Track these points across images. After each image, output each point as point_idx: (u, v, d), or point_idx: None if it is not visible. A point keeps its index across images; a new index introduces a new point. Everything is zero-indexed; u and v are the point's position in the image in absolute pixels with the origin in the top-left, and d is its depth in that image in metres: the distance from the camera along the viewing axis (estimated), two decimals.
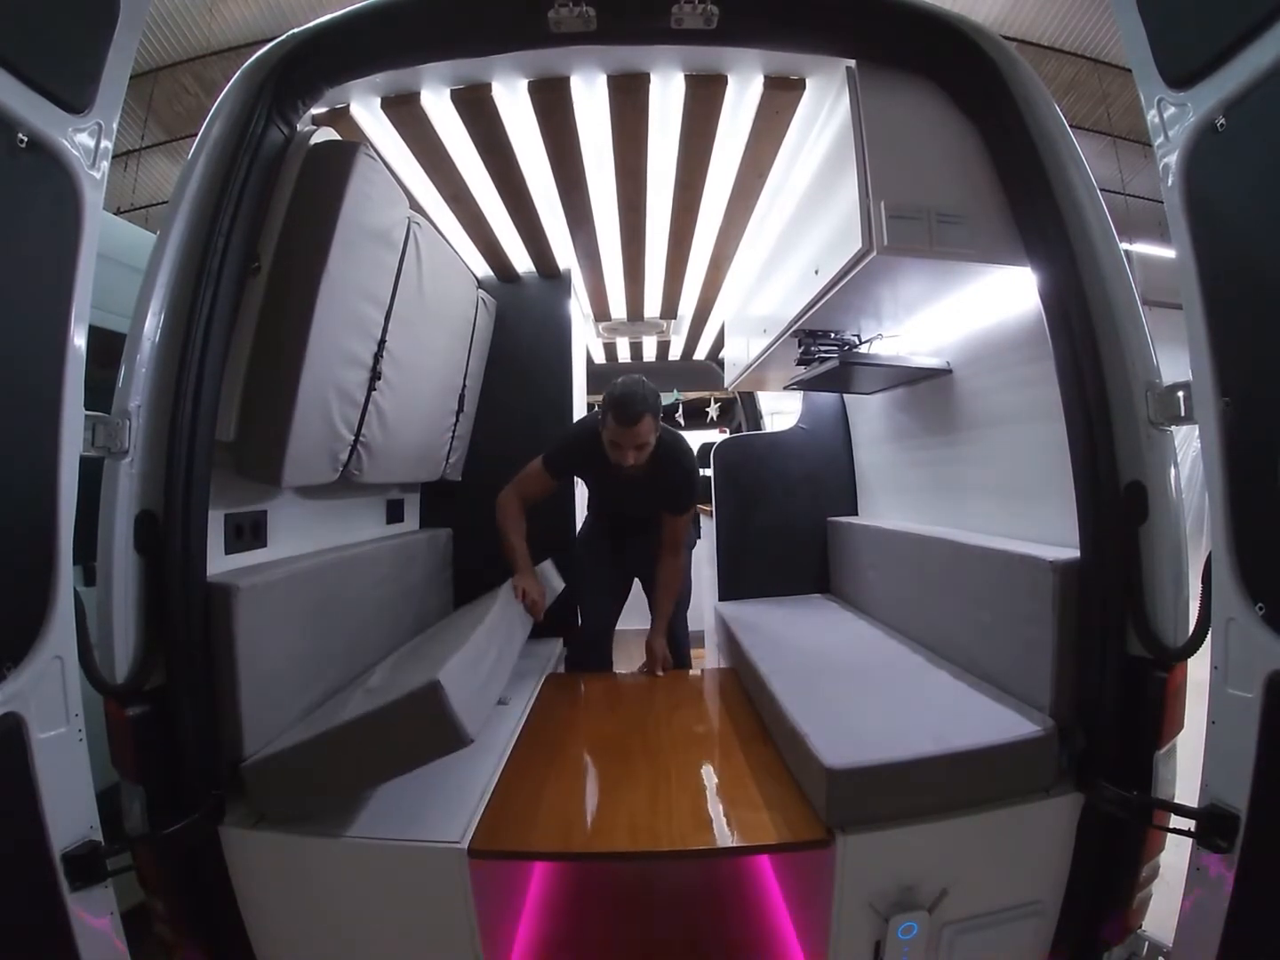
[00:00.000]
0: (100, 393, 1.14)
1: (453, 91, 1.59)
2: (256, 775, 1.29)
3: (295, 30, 1.38)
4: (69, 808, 1.02)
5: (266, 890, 1.29)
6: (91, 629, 1.10)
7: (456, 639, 1.55)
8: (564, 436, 2.39)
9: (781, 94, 1.61)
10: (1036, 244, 1.36)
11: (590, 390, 4.26)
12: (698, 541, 3.50)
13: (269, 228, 1.45)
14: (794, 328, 2.03)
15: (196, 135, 1.33)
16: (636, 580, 2.75)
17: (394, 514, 2.49)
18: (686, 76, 1.55)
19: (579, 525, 2.91)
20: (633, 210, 2.23)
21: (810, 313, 1.86)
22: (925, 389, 2.18)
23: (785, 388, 2.71)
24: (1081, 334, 1.27)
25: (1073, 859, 1.30)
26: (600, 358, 4.58)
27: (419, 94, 1.61)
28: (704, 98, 1.61)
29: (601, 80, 1.56)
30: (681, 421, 5.21)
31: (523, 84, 1.57)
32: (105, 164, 1.04)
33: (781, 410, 4.46)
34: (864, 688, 1.67)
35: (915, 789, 1.27)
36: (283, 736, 1.41)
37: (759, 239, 2.43)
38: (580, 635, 2.71)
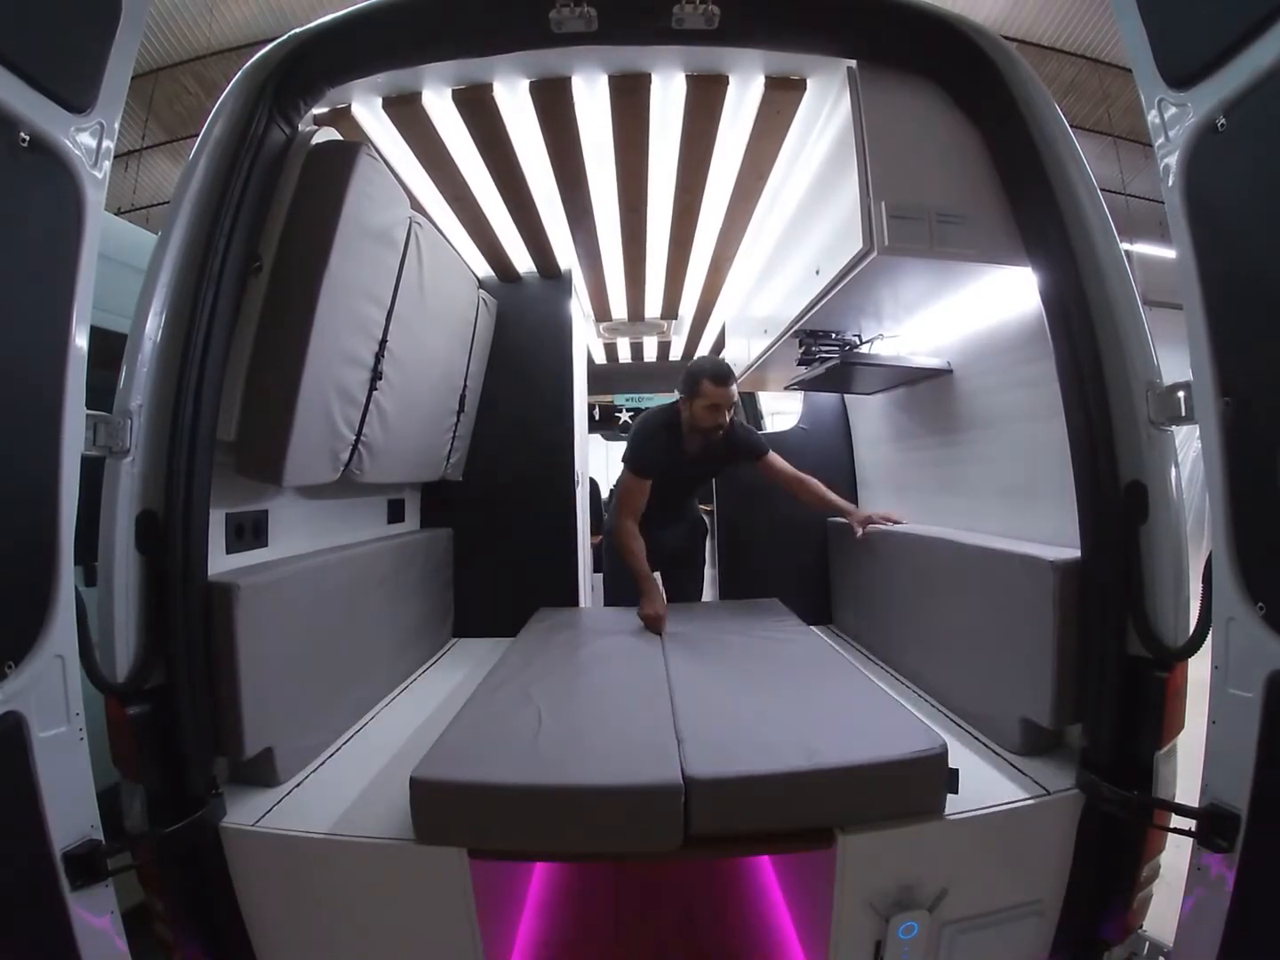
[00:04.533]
0: (100, 392, 1.15)
1: (454, 91, 1.59)
2: (428, 790, 1.21)
3: (296, 30, 1.39)
4: (69, 807, 1.02)
5: (266, 890, 1.29)
6: (92, 628, 1.10)
7: (651, 711, 1.51)
8: (640, 441, 2.52)
9: (782, 94, 1.62)
10: (1037, 244, 1.36)
11: (591, 391, 4.26)
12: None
13: (270, 227, 1.46)
14: (795, 328, 2.03)
15: (197, 136, 1.33)
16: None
17: (395, 514, 2.49)
18: (687, 77, 1.55)
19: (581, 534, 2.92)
20: (633, 210, 2.24)
21: (811, 313, 1.86)
22: (925, 389, 2.18)
23: (786, 388, 2.72)
24: (1082, 334, 1.27)
25: (1073, 859, 1.30)
26: (601, 358, 4.58)
27: (420, 94, 1.61)
28: (705, 98, 1.61)
29: (603, 80, 1.56)
30: None
31: (524, 84, 1.57)
32: (107, 164, 1.04)
33: (782, 410, 4.47)
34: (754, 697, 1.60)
35: (765, 804, 1.22)
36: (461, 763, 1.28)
37: (759, 239, 2.43)
38: None
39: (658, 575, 3.09)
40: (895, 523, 2.29)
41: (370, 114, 1.68)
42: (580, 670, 1.86)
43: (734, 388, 2.36)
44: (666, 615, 2.28)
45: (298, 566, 1.61)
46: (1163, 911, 1.27)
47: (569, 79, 1.56)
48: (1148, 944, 1.30)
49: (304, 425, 1.52)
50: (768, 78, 1.57)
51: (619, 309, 3.47)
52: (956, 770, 1.26)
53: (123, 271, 1.66)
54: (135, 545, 1.20)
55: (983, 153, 1.44)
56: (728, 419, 2.38)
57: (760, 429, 4.33)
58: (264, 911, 1.29)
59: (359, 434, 1.79)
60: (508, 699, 1.60)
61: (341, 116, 1.67)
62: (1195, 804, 1.07)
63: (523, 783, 1.21)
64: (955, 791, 1.26)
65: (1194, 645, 1.14)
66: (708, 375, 2.33)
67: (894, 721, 1.40)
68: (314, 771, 1.51)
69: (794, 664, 1.84)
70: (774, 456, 2.57)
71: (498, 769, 1.25)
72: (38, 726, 0.96)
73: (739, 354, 3.02)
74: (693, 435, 2.45)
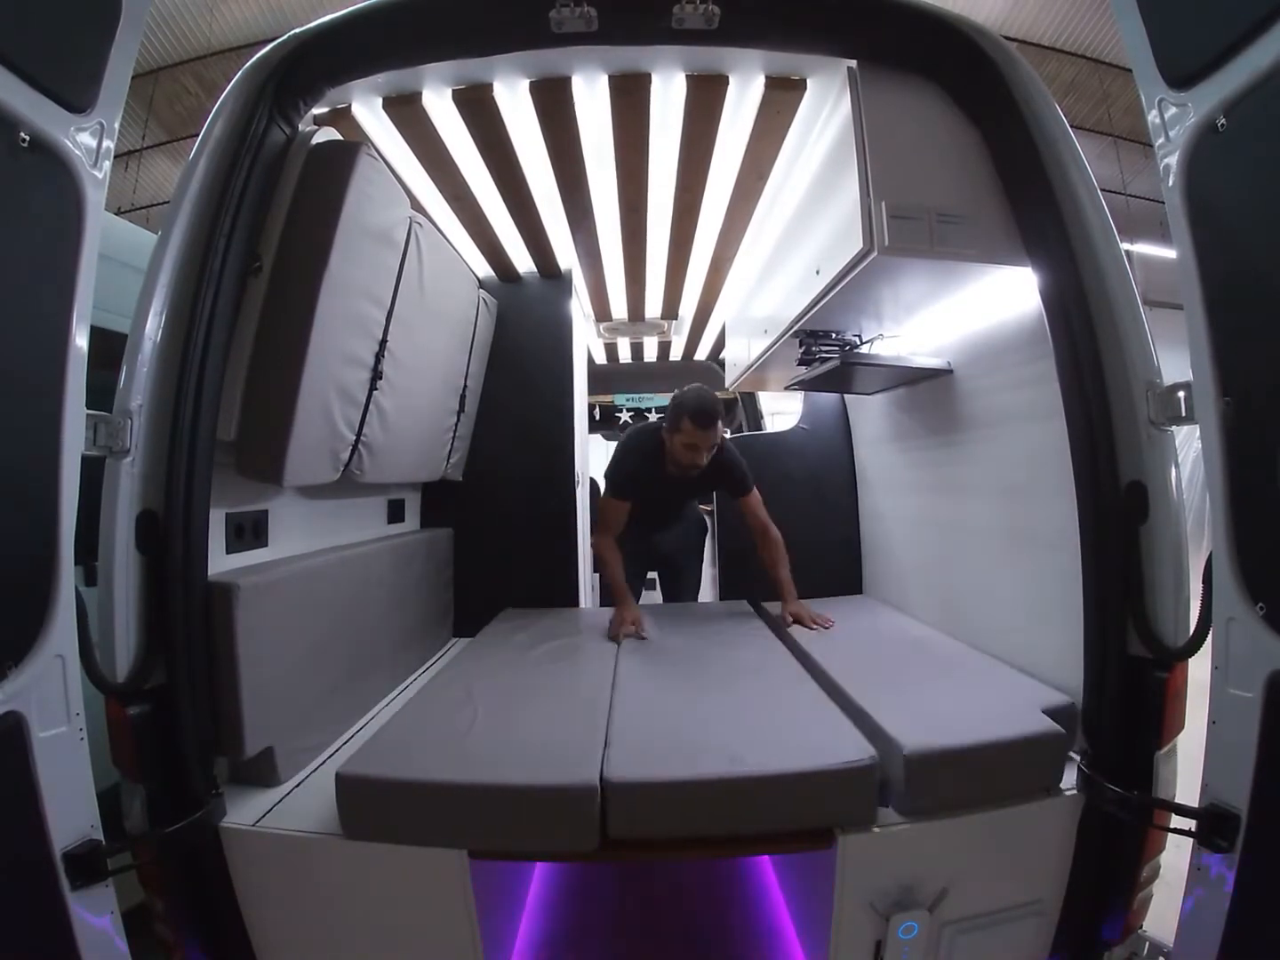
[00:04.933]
0: (100, 393, 1.14)
1: (454, 91, 1.59)
2: (354, 786, 1.23)
3: (296, 30, 1.39)
4: (70, 806, 1.02)
5: (266, 890, 1.29)
6: (92, 628, 1.10)
7: (588, 712, 1.51)
8: (620, 463, 2.49)
9: (782, 94, 1.62)
10: (1037, 244, 1.36)
11: (591, 391, 4.25)
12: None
13: (270, 228, 1.46)
14: (795, 328, 2.03)
15: (197, 136, 1.33)
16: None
17: (395, 514, 2.49)
18: (688, 77, 1.55)
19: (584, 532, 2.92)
20: (634, 210, 2.24)
21: (811, 313, 1.86)
22: (926, 389, 2.18)
23: (786, 388, 2.71)
24: (1082, 334, 1.27)
25: (1073, 859, 1.30)
26: (601, 358, 4.58)
27: (420, 94, 1.61)
28: (705, 98, 1.61)
29: (603, 80, 1.56)
30: None
31: (524, 84, 1.57)
32: (107, 164, 1.04)
33: (782, 410, 4.46)
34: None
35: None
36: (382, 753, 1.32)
37: (759, 239, 2.43)
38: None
39: (655, 575, 3.09)
40: (824, 626, 2.18)
41: (370, 114, 1.68)
42: (528, 671, 1.85)
43: (716, 430, 2.19)
44: (641, 624, 2.20)
45: (298, 566, 1.61)
46: (1163, 911, 1.27)
47: (569, 79, 1.56)
48: (1148, 944, 1.30)
49: (304, 425, 1.52)
50: (768, 78, 1.57)
51: (619, 309, 3.47)
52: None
53: (123, 271, 1.66)
54: (135, 545, 1.20)
55: (983, 153, 1.44)
56: (704, 461, 2.24)
57: (760, 429, 4.35)
58: (264, 911, 1.29)
59: (359, 434, 1.79)
60: (449, 698, 1.62)
61: (341, 116, 1.67)
62: (1195, 804, 1.07)
63: (443, 780, 1.22)
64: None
65: (1194, 645, 1.14)
66: (689, 413, 2.16)
67: (829, 731, 1.37)
68: (314, 771, 1.51)
69: (743, 668, 1.83)
70: (755, 498, 2.44)
71: (422, 766, 1.26)
72: (38, 726, 0.96)
73: (739, 354, 3.02)
74: (671, 464, 2.34)
